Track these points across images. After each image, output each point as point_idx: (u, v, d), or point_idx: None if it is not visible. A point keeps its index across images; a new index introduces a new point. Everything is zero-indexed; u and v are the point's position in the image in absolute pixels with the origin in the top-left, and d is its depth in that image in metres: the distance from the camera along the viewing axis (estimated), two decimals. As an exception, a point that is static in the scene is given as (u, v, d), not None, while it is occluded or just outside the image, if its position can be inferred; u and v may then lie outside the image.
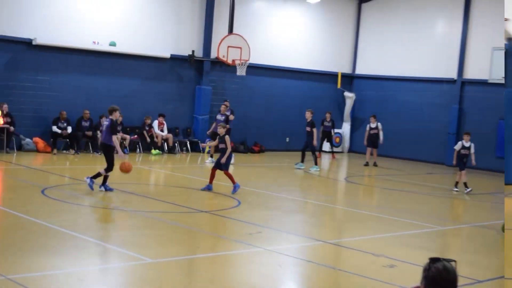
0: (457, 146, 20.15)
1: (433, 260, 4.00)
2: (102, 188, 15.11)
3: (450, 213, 16.95)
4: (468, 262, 10.91)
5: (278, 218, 13.63)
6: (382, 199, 17.89)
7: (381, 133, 26.11)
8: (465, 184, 19.86)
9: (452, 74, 28.70)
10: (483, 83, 26.81)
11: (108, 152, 15.17)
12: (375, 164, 25.78)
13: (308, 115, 23.17)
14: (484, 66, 26.13)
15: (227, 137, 16.62)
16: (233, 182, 16.29)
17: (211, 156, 22.83)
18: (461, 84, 28.46)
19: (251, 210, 14.64)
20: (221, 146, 16.64)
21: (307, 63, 30.45)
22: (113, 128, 15.16)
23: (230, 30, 26.78)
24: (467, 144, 19.99)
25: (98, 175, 15.10)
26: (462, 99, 28.48)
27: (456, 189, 19.91)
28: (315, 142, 23.00)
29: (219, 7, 27.15)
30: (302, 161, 23.21)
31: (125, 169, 15.30)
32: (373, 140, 25.98)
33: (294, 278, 9.47)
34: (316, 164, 22.92)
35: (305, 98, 30.26)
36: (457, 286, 3.95)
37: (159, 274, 8.86)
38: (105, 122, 15.78)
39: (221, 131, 16.75)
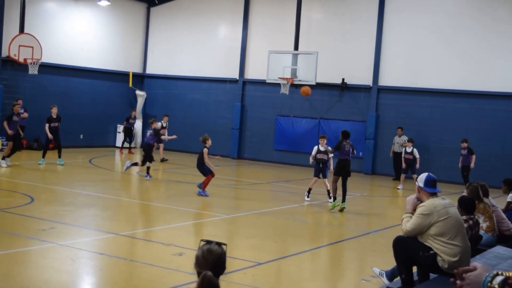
0: (313, 151, 17.23)
1: (205, 242, 4.00)
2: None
3: (235, 202, 17.35)
4: (251, 246, 11.23)
5: (71, 213, 13.15)
6: (173, 191, 17.91)
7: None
8: (329, 192, 17.24)
9: (235, 74, 29.48)
10: (261, 83, 27.81)
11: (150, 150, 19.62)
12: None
13: (54, 111, 21.88)
14: (262, 68, 27.11)
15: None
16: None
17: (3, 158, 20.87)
18: (243, 84, 29.32)
19: (44, 206, 13.98)
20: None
21: (100, 62, 29.73)
22: (156, 134, 20.00)
23: (21, 29, 25.40)
24: (322, 148, 17.15)
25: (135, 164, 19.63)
26: (243, 97, 29.36)
27: (329, 200, 17.15)
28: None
29: (9, 6, 25.63)
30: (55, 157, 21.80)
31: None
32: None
33: (87, 271, 9.16)
34: (43, 157, 21.47)
35: (98, 96, 29.58)
36: (222, 267, 3.93)
37: None
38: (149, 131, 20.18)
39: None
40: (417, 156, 21.78)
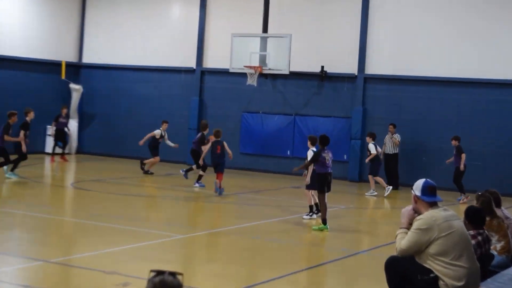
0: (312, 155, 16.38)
1: (156, 273, 3.90)
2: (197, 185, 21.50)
3: (193, 219, 17.21)
4: (212, 272, 11.11)
5: (-11, 237, 12.90)
6: (116, 207, 17.70)
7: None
8: (311, 208, 16.99)
9: (191, 63, 29.30)
10: (224, 72, 27.67)
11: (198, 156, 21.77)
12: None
13: (32, 115, 22.46)
14: (224, 54, 26.97)
15: None
16: None
17: None
18: (201, 74, 29.15)
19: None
20: None
21: (25, 50, 29.31)
22: (201, 140, 22.03)
23: None
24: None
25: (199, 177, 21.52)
26: (202, 90, 29.18)
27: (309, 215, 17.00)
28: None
29: None
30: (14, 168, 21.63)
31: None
32: None
33: (9, 308, 8.96)
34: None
35: (23, 91, 29.07)
36: None
37: None
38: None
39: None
40: (372, 151, 22.59)
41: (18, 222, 14.73)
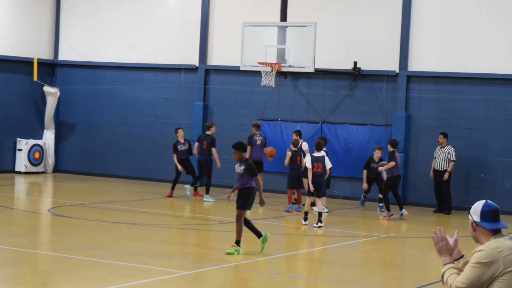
0: (308, 161, 20.35)
1: None
2: None
3: (200, 250, 17.23)
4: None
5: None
6: (103, 238, 17.76)
7: None
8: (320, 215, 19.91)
9: (193, 60, 29.29)
10: (233, 71, 27.67)
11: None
12: None
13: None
14: (233, 49, 26.98)
15: None
16: None
17: None
18: (205, 73, 29.13)
19: None
20: None
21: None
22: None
23: None
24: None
25: None
26: (207, 93, 29.15)
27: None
28: None
29: None
30: None
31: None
32: None
33: None
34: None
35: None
36: None
37: None
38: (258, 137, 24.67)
39: None
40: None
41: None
